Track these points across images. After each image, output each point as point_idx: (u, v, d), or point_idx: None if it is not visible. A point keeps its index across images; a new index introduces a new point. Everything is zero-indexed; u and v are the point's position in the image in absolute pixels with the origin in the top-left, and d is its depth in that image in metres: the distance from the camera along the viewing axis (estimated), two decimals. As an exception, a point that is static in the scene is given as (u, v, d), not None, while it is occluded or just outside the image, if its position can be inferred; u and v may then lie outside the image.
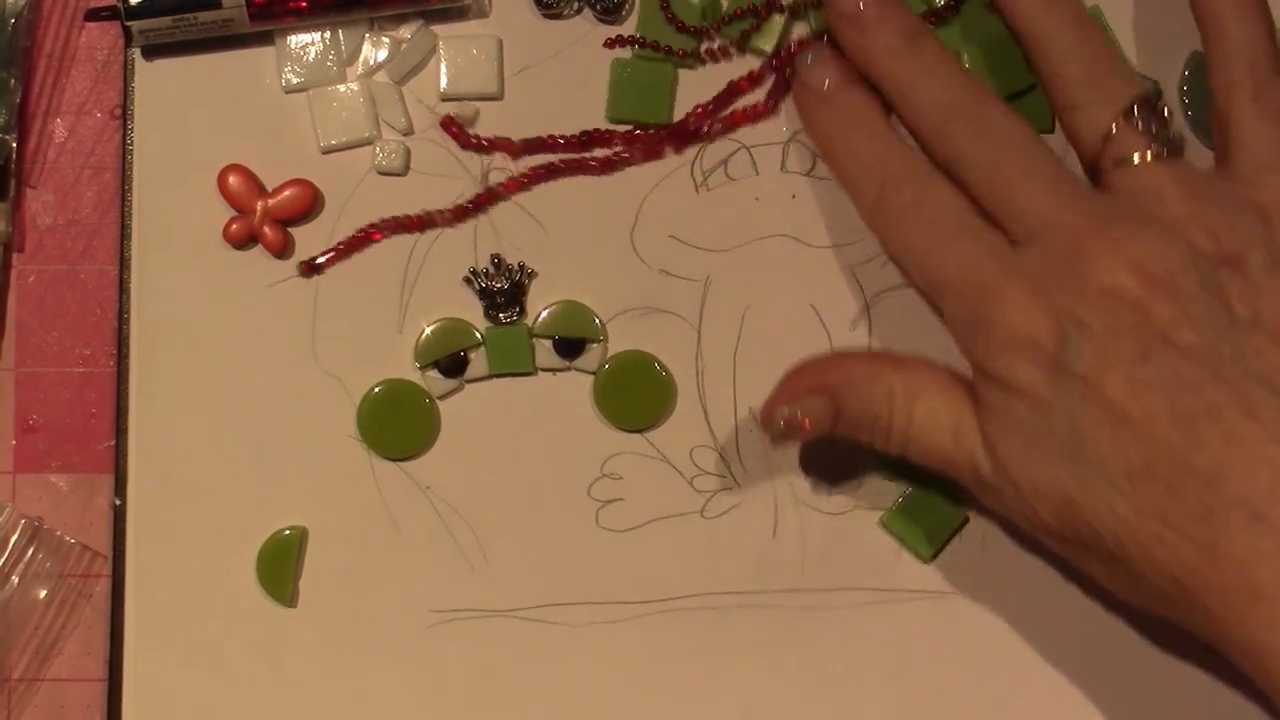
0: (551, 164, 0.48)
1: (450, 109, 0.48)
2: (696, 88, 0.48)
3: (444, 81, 0.48)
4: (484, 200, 0.47)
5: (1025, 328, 0.40)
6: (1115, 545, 0.39)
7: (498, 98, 0.48)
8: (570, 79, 0.48)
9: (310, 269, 0.47)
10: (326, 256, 0.47)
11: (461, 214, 0.47)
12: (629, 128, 0.48)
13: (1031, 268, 0.40)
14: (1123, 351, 0.39)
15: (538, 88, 0.48)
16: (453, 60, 0.48)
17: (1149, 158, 0.42)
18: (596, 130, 0.48)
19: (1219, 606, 0.38)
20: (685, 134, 0.48)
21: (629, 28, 0.48)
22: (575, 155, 0.48)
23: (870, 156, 0.44)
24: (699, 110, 0.48)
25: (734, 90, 0.48)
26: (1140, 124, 0.42)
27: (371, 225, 0.47)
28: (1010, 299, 0.40)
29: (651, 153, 0.48)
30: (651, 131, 0.48)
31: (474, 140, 0.47)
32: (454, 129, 0.47)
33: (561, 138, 0.48)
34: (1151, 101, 0.42)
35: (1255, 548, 0.37)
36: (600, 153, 0.48)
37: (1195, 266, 0.39)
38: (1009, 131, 0.43)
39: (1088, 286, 0.39)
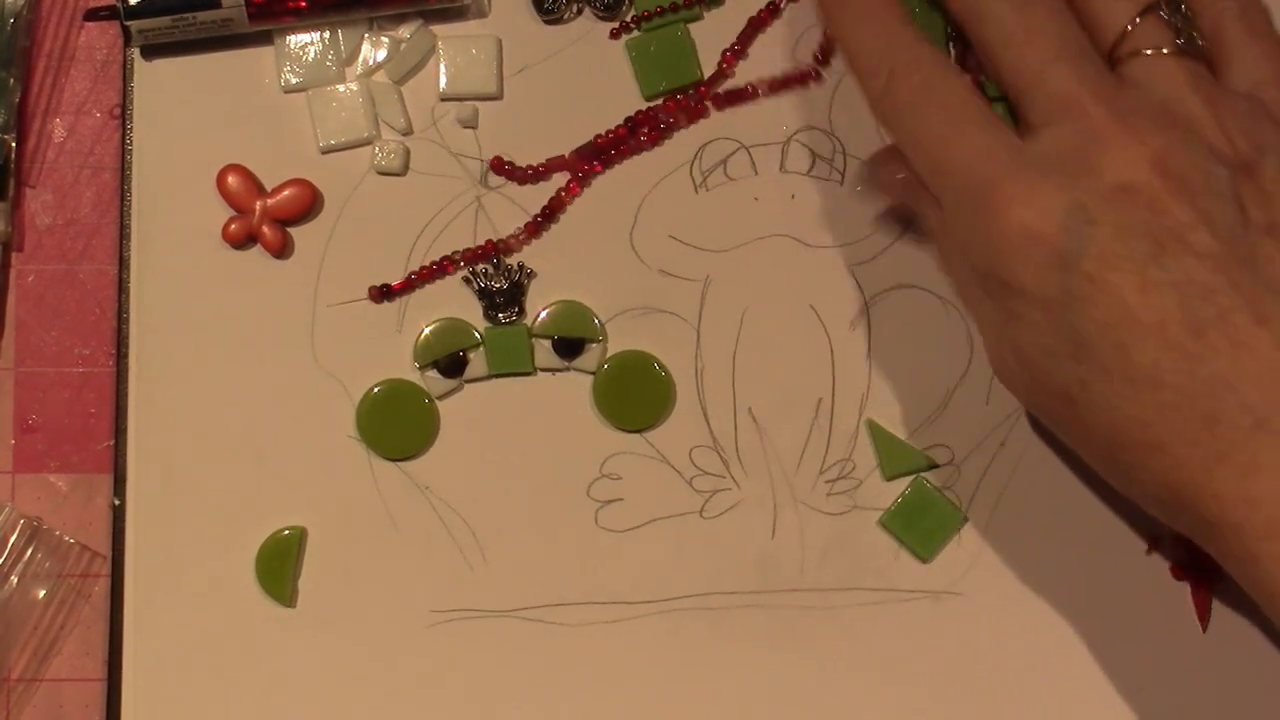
0: (606, 155, 0.48)
1: (451, 110, 0.48)
2: (717, 39, 0.48)
3: (443, 81, 0.48)
4: (554, 208, 0.47)
5: (1033, 222, 0.38)
6: (1112, 447, 0.39)
7: (497, 98, 0.48)
8: (571, 77, 0.48)
9: (381, 294, 0.47)
10: (398, 282, 0.47)
11: (534, 230, 0.47)
12: (665, 99, 0.48)
13: (1045, 154, 0.39)
14: (1135, 250, 0.38)
15: (537, 88, 0.48)
16: (452, 60, 0.48)
17: (1173, 52, 0.40)
18: (640, 112, 0.48)
19: (1214, 513, 0.37)
20: (720, 79, 0.48)
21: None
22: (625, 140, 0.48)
23: (881, 44, 0.43)
24: (727, 55, 0.48)
25: (756, 25, 0.48)
26: (1166, 16, 0.41)
27: (446, 258, 0.47)
28: (1018, 192, 0.39)
29: (696, 113, 0.48)
30: (691, 92, 0.48)
31: (530, 171, 0.48)
32: (505, 169, 0.47)
33: (610, 131, 0.48)
34: (1179, 1, 0.41)
35: (1257, 456, 0.36)
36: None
37: (1214, 168, 0.38)
38: (1053, 5, 0.41)
39: (1104, 179, 0.38)
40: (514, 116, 0.48)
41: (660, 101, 0.48)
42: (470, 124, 0.48)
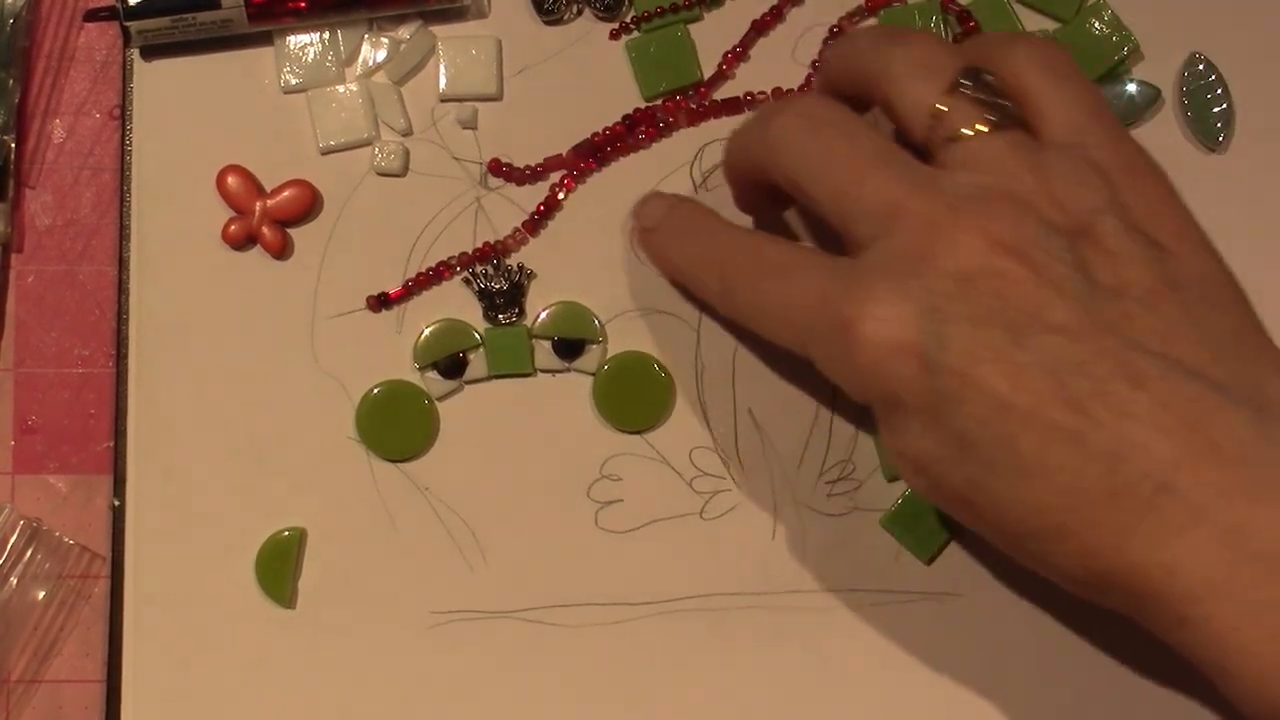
0: (604, 152, 0.48)
1: (451, 110, 0.48)
2: (717, 40, 0.49)
3: (443, 82, 0.48)
4: (550, 205, 0.47)
5: (888, 335, 0.37)
6: (1020, 539, 0.38)
7: (497, 98, 0.48)
8: (571, 78, 0.48)
9: (379, 303, 0.47)
10: (395, 290, 0.47)
11: (532, 228, 0.47)
12: (665, 100, 0.48)
13: (882, 266, 0.38)
14: (994, 339, 0.36)
15: (537, 88, 0.48)
16: (451, 61, 0.48)
17: (985, 129, 0.39)
18: (638, 110, 0.48)
19: (1136, 586, 0.36)
20: (721, 80, 0.48)
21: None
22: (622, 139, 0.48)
23: (701, 253, 0.44)
24: (728, 57, 0.48)
25: (759, 28, 0.48)
26: (969, 89, 0.39)
27: (442, 264, 0.47)
28: (865, 311, 0.37)
29: (696, 115, 0.48)
30: (691, 93, 0.48)
31: (528, 171, 0.48)
32: (503, 170, 0.47)
33: (607, 129, 0.48)
34: (978, 70, 0.40)
35: (1165, 521, 0.36)
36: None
37: (1050, 240, 0.37)
38: (843, 125, 0.40)
39: (945, 274, 0.37)
40: (514, 117, 0.48)
41: (660, 102, 0.48)
42: (470, 125, 0.48)
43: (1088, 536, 0.37)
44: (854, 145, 0.39)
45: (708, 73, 0.48)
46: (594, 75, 0.48)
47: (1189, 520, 0.35)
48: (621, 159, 0.48)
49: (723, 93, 0.48)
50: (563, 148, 0.48)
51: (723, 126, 0.48)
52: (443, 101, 0.48)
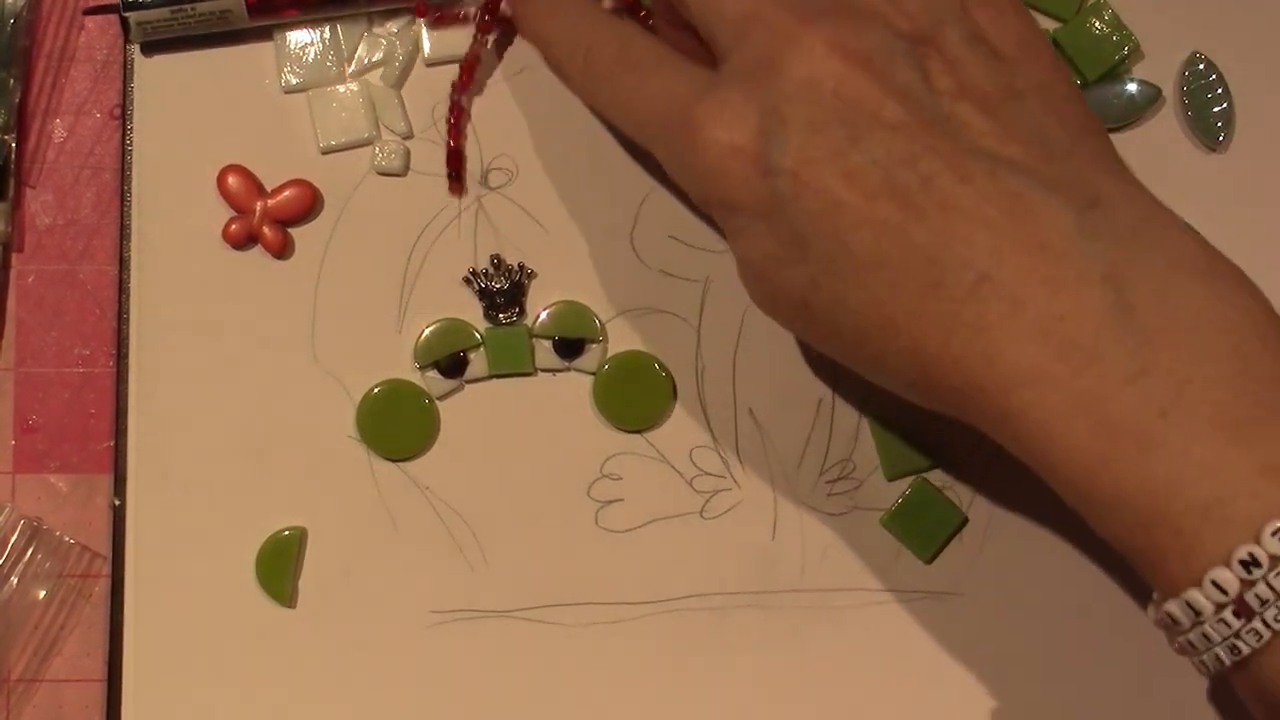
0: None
1: (437, 73, 0.48)
2: None
3: (427, 47, 0.48)
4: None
5: (729, 138, 0.38)
6: (856, 339, 0.39)
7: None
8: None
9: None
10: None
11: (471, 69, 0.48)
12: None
13: (732, 71, 0.39)
14: (831, 139, 0.38)
15: (538, 87, 0.48)
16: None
17: None
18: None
19: (959, 380, 0.37)
20: None
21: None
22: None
23: (572, 28, 0.44)
24: None
25: None
26: None
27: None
28: (710, 112, 0.39)
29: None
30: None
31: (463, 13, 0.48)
32: (421, 8, 0.48)
33: None
34: None
35: (984, 312, 0.36)
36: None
37: (894, 46, 0.38)
38: None
39: (788, 79, 0.38)
40: (514, 116, 0.48)
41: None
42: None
43: (914, 329, 0.37)
44: None
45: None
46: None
47: (1009, 310, 0.36)
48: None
49: None
50: (563, 146, 0.48)
51: None
52: (428, 66, 0.48)
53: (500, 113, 0.48)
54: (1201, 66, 0.49)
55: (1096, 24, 0.48)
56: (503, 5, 0.47)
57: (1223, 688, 0.47)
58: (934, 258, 0.37)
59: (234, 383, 0.48)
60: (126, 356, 0.47)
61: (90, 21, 0.48)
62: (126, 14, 0.46)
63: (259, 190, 0.47)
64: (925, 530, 0.48)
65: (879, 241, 0.37)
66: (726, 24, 0.40)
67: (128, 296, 0.47)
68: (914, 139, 0.37)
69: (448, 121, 0.48)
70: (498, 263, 0.48)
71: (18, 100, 0.48)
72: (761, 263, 0.40)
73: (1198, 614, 0.35)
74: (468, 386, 0.48)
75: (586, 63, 0.43)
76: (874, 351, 0.39)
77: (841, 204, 0.37)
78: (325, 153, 0.48)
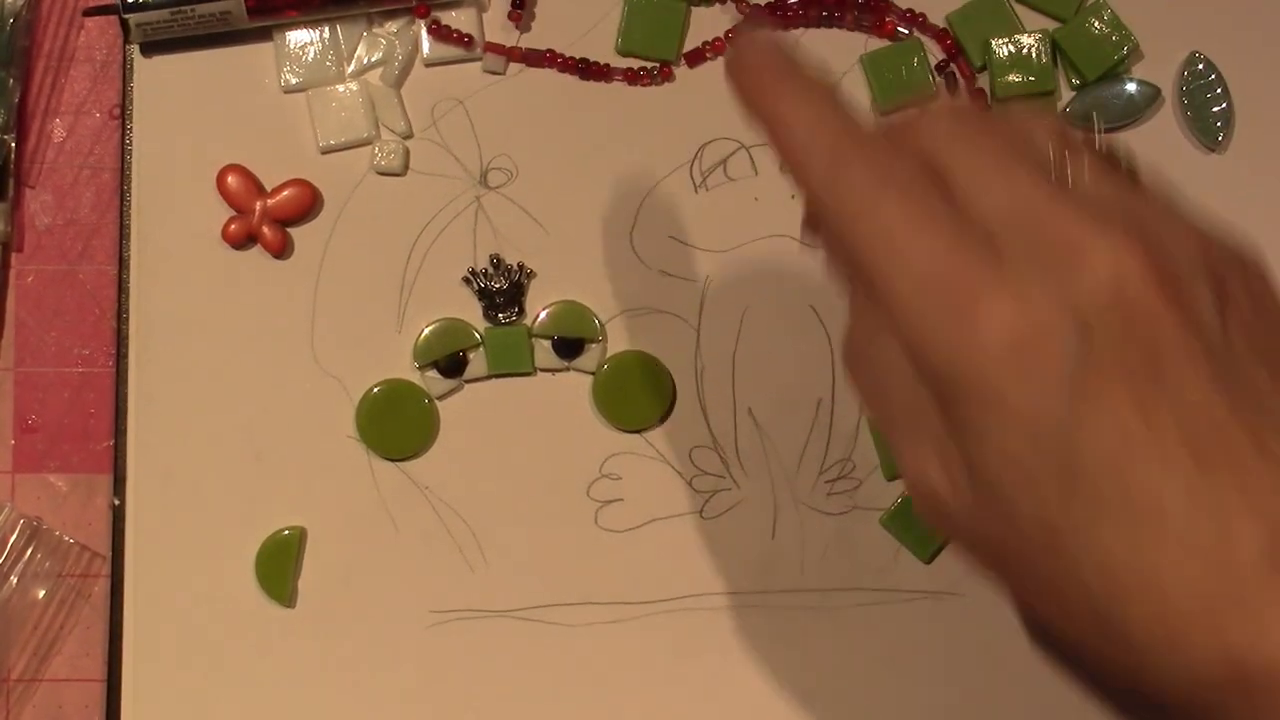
0: (555, 62, 0.48)
1: (450, 110, 0.48)
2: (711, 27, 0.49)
3: (426, 47, 0.48)
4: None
5: (1024, 331, 0.33)
6: (1096, 593, 0.33)
7: (477, 58, 0.48)
8: (571, 77, 0.48)
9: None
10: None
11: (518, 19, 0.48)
12: (631, 64, 0.48)
13: (1024, 255, 0.34)
14: (1132, 361, 0.33)
15: (538, 87, 0.48)
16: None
17: (1107, 164, 0.36)
18: (595, 63, 0.48)
19: (1221, 672, 0.32)
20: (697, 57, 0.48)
21: None
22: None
23: (818, 120, 0.36)
24: (715, 42, 0.48)
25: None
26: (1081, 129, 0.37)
27: None
28: (1004, 295, 0.33)
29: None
30: (654, 67, 0.48)
31: (464, 36, 0.48)
32: (433, 25, 0.48)
33: (561, 56, 0.48)
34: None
35: (1275, 598, 0.31)
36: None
37: (1199, 282, 0.34)
38: (990, 122, 0.37)
39: (1093, 282, 0.33)
40: (514, 116, 0.48)
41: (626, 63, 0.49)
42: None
43: (1182, 601, 0.32)
44: (1014, 140, 0.36)
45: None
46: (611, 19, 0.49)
47: None
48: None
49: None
50: (564, 144, 0.48)
51: (724, 122, 0.48)
52: (427, 66, 0.48)
53: (500, 113, 0.48)
54: (1201, 66, 0.49)
55: (1096, 24, 0.48)
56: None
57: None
58: (1227, 530, 0.32)
59: (234, 383, 0.48)
60: (126, 356, 0.47)
61: (90, 22, 0.48)
62: (126, 15, 0.46)
63: (259, 190, 0.47)
64: (925, 530, 0.48)
65: (1165, 493, 0.32)
66: (1010, 207, 0.34)
67: (128, 296, 0.47)
68: (1213, 387, 0.33)
69: None
70: (497, 262, 0.48)
71: (17, 100, 0.48)
72: (999, 475, 0.33)
73: None
74: (467, 386, 0.48)
75: (834, 169, 0.36)
76: (1114, 615, 0.33)
77: (1135, 440, 0.32)
78: (325, 152, 0.48)
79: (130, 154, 0.48)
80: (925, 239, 0.34)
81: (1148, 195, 0.36)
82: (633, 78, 0.48)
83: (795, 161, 0.36)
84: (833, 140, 0.36)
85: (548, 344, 0.48)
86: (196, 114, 0.48)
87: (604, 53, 0.48)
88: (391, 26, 0.48)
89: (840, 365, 0.40)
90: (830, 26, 0.49)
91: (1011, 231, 0.34)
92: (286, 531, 0.47)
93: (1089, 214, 0.34)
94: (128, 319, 0.47)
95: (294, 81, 0.48)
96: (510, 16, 0.48)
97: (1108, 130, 0.49)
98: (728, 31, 0.48)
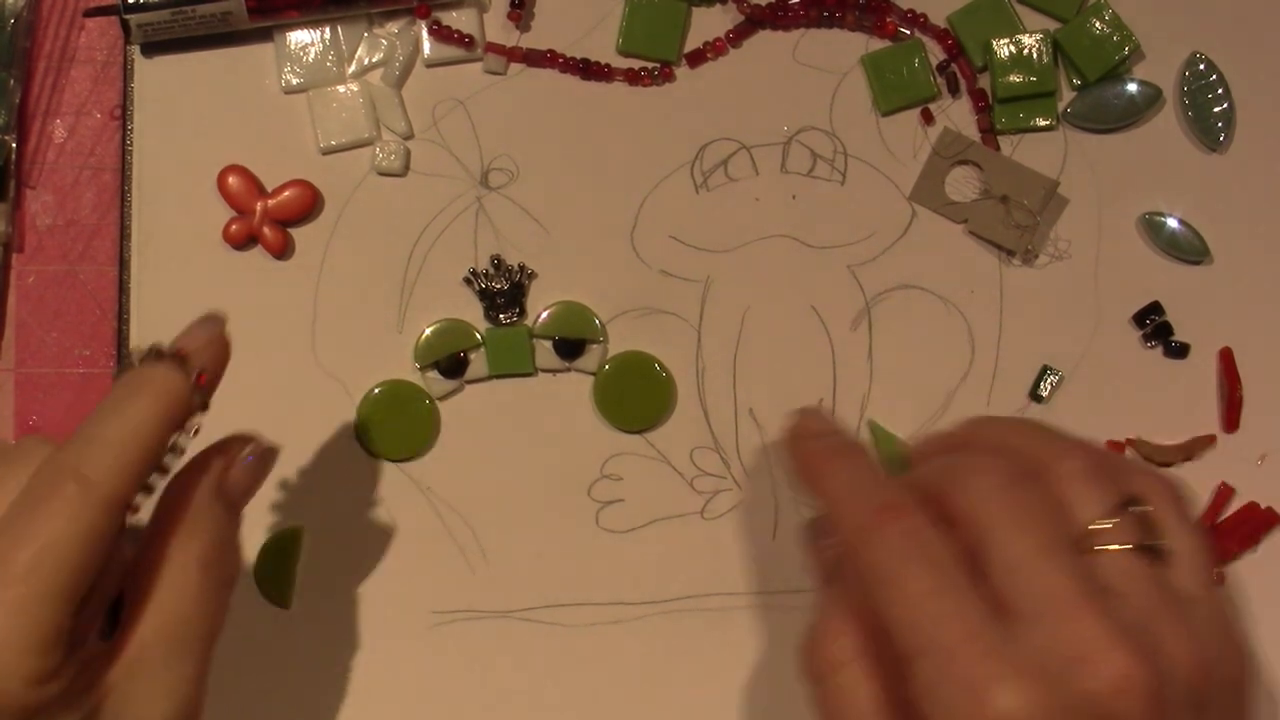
0: (556, 62, 0.48)
1: (451, 111, 0.48)
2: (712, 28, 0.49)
3: (427, 48, 0.48)
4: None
5: (1015, 717, 0.36)
6: None
7: (478, 59, 0.48)
8: (570, 77, 0.48)
9: None
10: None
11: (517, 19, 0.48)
12: (632, 65, 0.48)
13: (1032, 649, 0.37)
14: None
15: (537, 86, 0.48)
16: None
17: (1139, 551, 0.39)
18: (597, 63, 0.48)
19: None
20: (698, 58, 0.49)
21: None
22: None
23: (861, 483, 0.40)
24: (716, 43, 0.48)
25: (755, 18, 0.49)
26: (1134, 512, 0.39)
27: None
28: (1005, 684, 0.36)
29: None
30: (655, 68, 0.48)
31: (465, 37, 0.48)
32: (434, 26, 0.48)
33: (561, 57, 0.48)
34: (1134, 498, 0.40)
35: None
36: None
37: (1187, 706, 0.37)
38: (1031, 491, 0.39)
39: (1086, 688, 0.36)
40: (514, 116, 0.48)
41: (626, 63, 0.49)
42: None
43: None
44: (1057, 531, 0.38)
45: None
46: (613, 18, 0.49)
47: None
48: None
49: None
50: (564, 144, 0.48)
51: (724, 123, 0.48)
52: (427, 67, 0.48)
53: (501, 113, 0.48)
54: (1202, 67, 0.49)
55: (1097, 24, 0.48)
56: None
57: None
58: None
59: (234, 383, 0.47)
60: (127, 357, 0.47)
61: (90, 22, 0.48)
62: (127, 16, 0.46)
63: (259, 190, 0.47)
64: (926, 530, 0.48)
65: None
66: (1034, 592, 0.37)
67: (128, 296, 0.47)
68: None
69: None
70: (498, 263, 0.48)
71: (18, 101, 0.48)
72: None
73: None
74: (468, 387, 0.48)
75: (871, 531, 0.38)
76: None
77: None
78: (325, 153, 0.48)
79: (131, 154, 0.48)
80: (945, 612, 0.37)
81: (1173, 586, 0.39)
82: (633, 78, 0.48)
83: (839, 518, 0.40)
84: (874, 502, 0.39)
85: (548, 344, 0.48)
86: (197, 114, 0.48)
87: (605, 53, 0.48)
88: (392, 27, 0.48)
89: (800, 662, 0.41)
90: (831, 26, 0.49)
91: (1035, 622, 0.37)
92: (286, 531, 0.47)
93: (1108, 624, 0.37)
94: (128, 319, 0.47)
95: (295, 82, 0.48)
96: (509, 16, 0.48)
97: (1108, 130, 0.49)
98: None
